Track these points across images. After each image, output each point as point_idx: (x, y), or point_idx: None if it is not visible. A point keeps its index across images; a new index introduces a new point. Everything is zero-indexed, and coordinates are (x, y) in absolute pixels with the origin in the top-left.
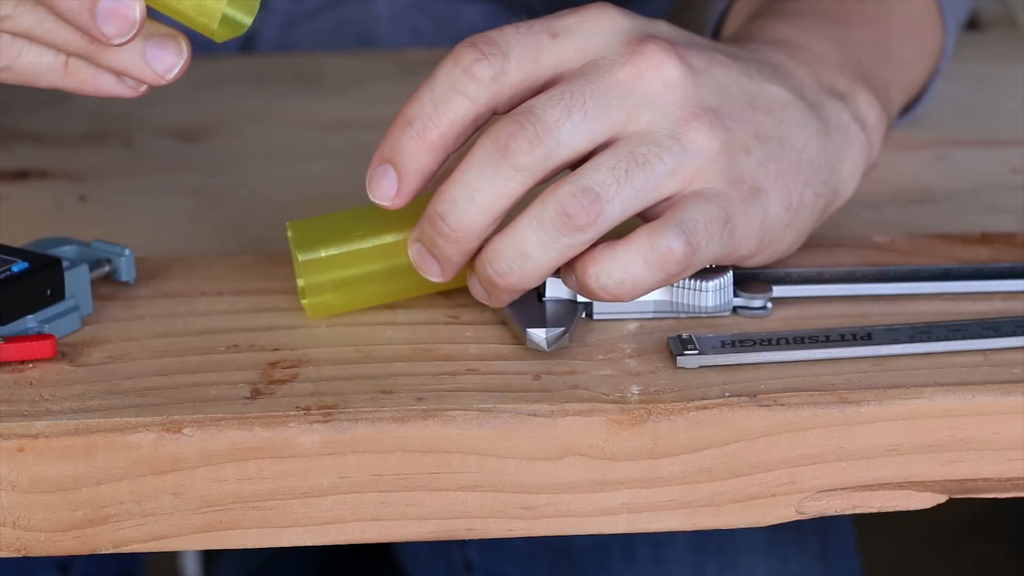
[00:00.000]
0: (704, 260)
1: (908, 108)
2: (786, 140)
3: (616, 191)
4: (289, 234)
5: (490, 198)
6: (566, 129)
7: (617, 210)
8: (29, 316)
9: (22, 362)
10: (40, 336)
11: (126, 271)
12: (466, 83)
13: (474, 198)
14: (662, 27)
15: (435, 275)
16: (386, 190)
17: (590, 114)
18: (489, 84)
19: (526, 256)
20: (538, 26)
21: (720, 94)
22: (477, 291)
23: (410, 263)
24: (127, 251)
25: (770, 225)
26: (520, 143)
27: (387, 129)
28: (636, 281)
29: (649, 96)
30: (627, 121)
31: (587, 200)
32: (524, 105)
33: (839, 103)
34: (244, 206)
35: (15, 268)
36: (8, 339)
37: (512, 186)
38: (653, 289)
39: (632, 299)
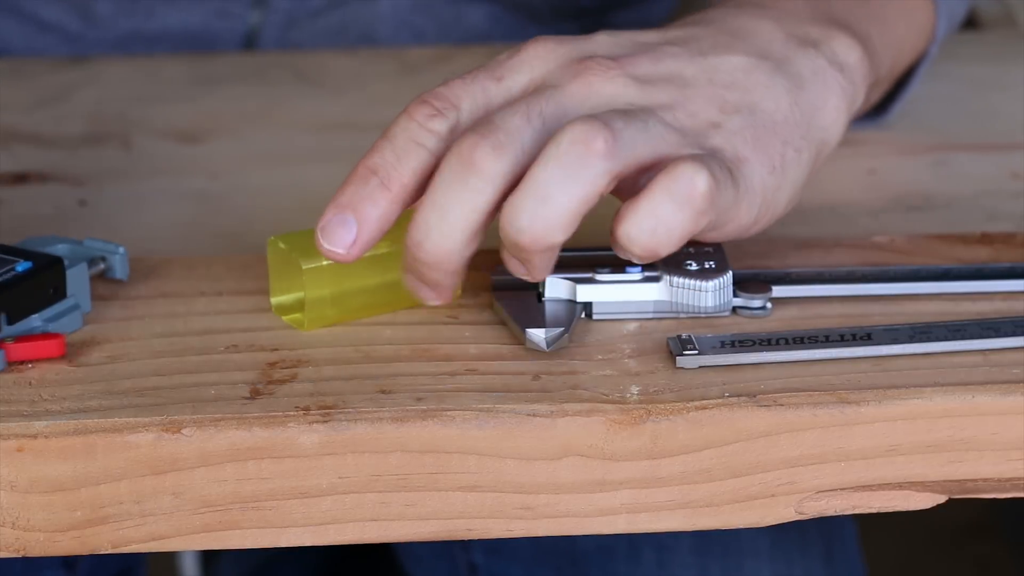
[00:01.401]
0: (722, 203)
1: (896, 90)
2: (756, 106)
3: (624, 125)
4: (281, 246)
5: (461, 215)
6: (528, 135)
7: (627, 145)
8: (34, 315)
9: (22, 362)
10: (48, 335)
11: (120, 269)
12: (424, 135)
13: (446, 217)
14: (601, 40)
15: (432, 300)
16: (344, 238)
17: (548, 120)
18: (446, 136)
19: (547, 199)
20: (482, 74)
21: (675, 84)
22: (514, 266)
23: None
24: (121, 249)
25: (761, 191)
26: (484, 151)
27: (344, 180)
28: (669, 226)
29: (604, 98)
30: None
31: (599, 125)
32: (482, 118)
33: (811, 51)
34: (244, 211)
35: (19, 268)
36: (17, 339)
37: (482, 198)
38: (686, 236)
39: (668, 250)
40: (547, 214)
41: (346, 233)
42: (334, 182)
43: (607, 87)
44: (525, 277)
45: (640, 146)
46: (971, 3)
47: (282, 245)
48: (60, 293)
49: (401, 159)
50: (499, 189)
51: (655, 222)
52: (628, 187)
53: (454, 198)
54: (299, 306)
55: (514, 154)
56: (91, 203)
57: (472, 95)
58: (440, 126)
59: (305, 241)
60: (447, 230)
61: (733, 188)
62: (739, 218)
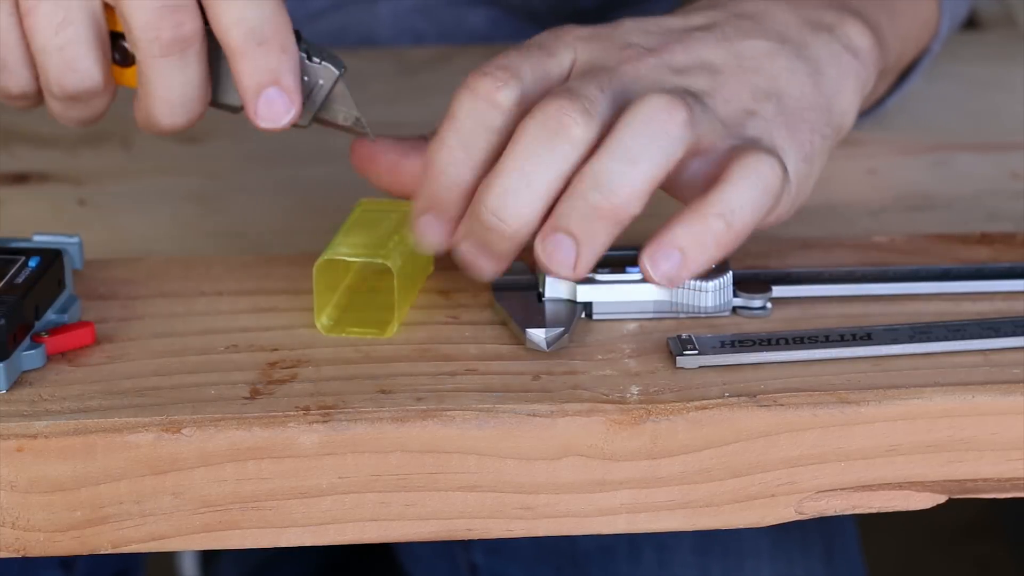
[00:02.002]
0: (782, 201)
1: (899, 80)
2: (783, 92)
3: (694, 101)
4: (347, 259)
5: (547, 180)
6: (605, 104)
7: (699, 119)
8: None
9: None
10: (78, 324)
11: (78, 258)
12: (492, 115)
13: (531, 184)
14: (631, 27)
15: (488, 272)
16: (435, 239)
17: (616, 92)
18: (514, 111)
19: (635, 162)
20: (534, 48)
21: (707, 72)
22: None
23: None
24: (75, 238)
25: (796, 180)
26: (573, 116)
27: (423, 176)
28: (756, 198)
29: (652, 80)
30: None
31: (679, 96)
32: (559, 87)
33: (826, 35)
34: (243, 211)
35: (31, 263)
36: (52, 332)
37: (567, 164)
38: (761, 220)
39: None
40: (634, 178)
41: (433, 234)
42: (334, 182)
43: (651, 74)
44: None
45: (705, 125)
46: (972, 3)
47: (347, 258)
48: (62, 285)
49: (471, 150)
50: (582, 156)
51: (743, 201)
52: (673, 178)
53: (541, 164)
54: (371, 312)
55: (598, 121)
56: (91, 203)
57: (532, 65)
58: (508, 99)
59: (357, 244)
60: (530, 198)
61: (786, 176)
62: (780, 207)
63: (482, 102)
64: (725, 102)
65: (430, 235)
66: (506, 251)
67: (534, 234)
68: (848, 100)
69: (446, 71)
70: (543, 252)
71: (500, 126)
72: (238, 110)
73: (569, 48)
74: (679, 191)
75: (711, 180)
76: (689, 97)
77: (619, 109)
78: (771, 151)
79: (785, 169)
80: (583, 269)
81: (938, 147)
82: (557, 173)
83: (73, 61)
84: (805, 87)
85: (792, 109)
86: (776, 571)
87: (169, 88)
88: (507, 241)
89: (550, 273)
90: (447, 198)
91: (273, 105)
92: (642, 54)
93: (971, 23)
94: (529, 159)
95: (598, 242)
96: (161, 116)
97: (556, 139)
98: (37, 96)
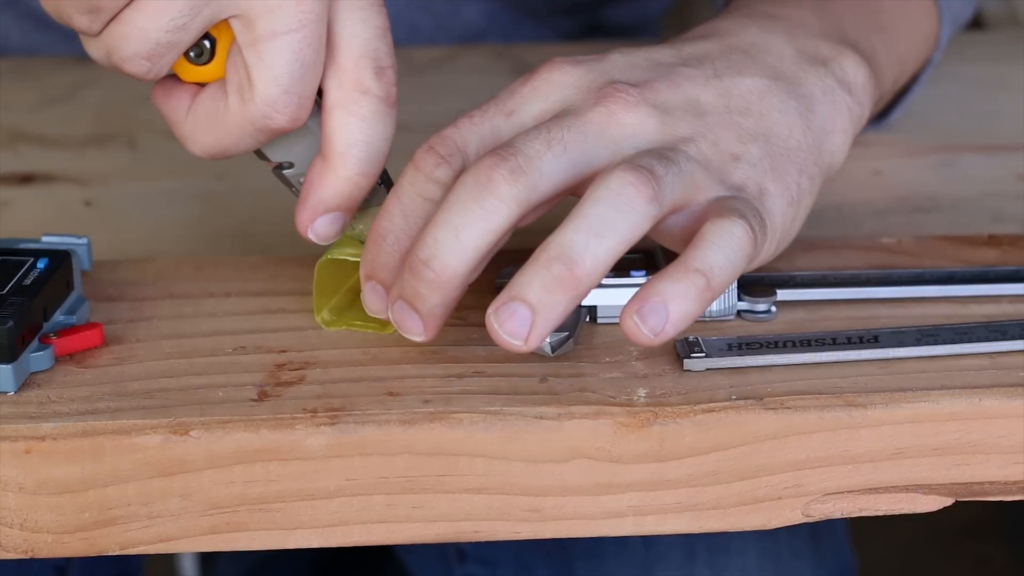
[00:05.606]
0: (760, 251)
1: (900, 95)
2: (771, 133)
3: (664, 171)
4: (349, 256)
5: (475, 234)
6: (548, 161)
7: (668, 191)
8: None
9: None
10: (87, 325)
11: (86, 259)
12: (431, 188)
13: (459, 236)
14: (617, 61)
15: (418, 333)
16: (379, 306)
17: (570, 147)
18: (452, 184)
19: (600, 235)
20: (492, 108)
21: (693, 113)
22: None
23: None
24: (84, 239)
25: (781, 224)
26: (502, 173)
27: (366, 245)
28: (732, 258)
29: (627, 131)
30: (611, 158)
31: (646, 172)
32: (504, 142)
33: (821, 69)
34: (251, 211)
35: (40, 264)
36: (60, 333)
37: (496, 219)
38: (738, 275)
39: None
40: (598, 250)
41: (378, 301)
42: None
43: (629, 116)
44: (517, 346)
45: (678, 191)
46: (977, 4)
47: (350, 258)
48: (71, 286)
49: (409, 219)
50: (514, 213)
51: (726, 256)
52: (652, 229)
53: (468, 216)
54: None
55: (531, 179)
56: (97, 203)
57: (480, 136)
58: (446, 175)
59: (361, 245)
60: (458, 249)
61: (762, 232)
62: (762, 254)
63: (422, 176)
64: (711, 145)
65: (374, 301)
66: (434, 307)
67: (462, 291)
68: (839, 139)
69: (452, 71)
70: (495, 320)
71: (439, 198)
72: (277, 168)
73: (537, 100)
74: (659, 238)
75: (689, 234)
76: (659, 166)
77: (575, 162)
78: (744, 214)
79: (756, 229)
80: (535, 341)
81: (943, 148)
82: (486, 227)
83: (155, 55)
84: (795, 127)
85: (780, 151)
86: (763, 554)
87: (237, 146)
88: (436, 293)
89: (500, 344)
90: (388, 263)
91: (332, 226)
92: (625, 93)
93: (976, 23)
94: (458, 213)
95: (554, 313)
96: (205, 147)
97: (484, 195)
98: (88, 33)
